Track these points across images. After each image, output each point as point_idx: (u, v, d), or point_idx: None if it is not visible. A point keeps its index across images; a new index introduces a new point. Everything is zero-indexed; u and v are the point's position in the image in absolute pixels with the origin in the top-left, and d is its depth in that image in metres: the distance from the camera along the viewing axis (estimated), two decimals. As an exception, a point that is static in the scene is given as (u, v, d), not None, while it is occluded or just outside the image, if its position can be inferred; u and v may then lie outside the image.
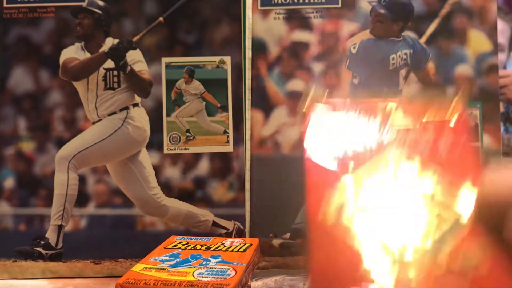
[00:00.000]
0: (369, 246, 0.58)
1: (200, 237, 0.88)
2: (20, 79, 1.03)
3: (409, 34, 1.03)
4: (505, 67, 2.34)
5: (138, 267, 0.75)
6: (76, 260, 1.00)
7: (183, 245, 0.84)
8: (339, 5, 1.03)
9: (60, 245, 1.00)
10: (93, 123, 1.03)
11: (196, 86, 1.03)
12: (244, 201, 1.02)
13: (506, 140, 1.92)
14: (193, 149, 1.02)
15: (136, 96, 1.03)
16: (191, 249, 0.82)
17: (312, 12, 1.03)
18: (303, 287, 0.86)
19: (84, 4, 1.02)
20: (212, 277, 0.71)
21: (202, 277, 0.71)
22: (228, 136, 1.02)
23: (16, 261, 1.00)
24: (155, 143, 1.02)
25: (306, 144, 0.64)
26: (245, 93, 1.02)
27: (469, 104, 1.01)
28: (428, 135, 0.63)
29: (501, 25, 2.05)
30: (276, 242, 1.01)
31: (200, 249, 0.82)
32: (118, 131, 1.03)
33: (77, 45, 1.03)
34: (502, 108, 2.16)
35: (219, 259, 0.78)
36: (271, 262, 1.00)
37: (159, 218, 1.02)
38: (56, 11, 1.02)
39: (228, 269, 0.74)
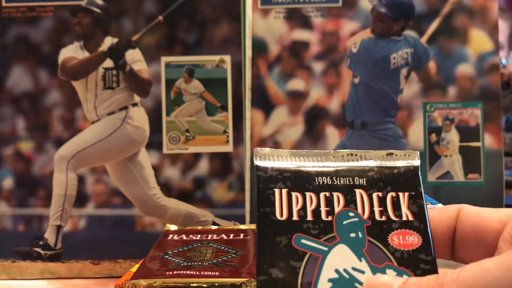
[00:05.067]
0: None
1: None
2: (19, 78, 1.02)
3: (410, 33, 1.02)
4: (504, 66, 2.34)
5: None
6: (75, 261, 1.00)
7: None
8: (340, 4, 1.03)
9: (59, 245, 1.00)
10: (92, 122, 1.02)
11: (196, 85, 1.02)
12: (244, 201, 1.01)
13: (508, 140, 1.92)
14: (192, 149, 1.02)
15: (135, 95, 1.02)
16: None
17: (313, 11, 1.03)
18: None
19: (83, 3, 1.01)
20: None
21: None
22: (228, 136, 1.01)
23: (14, 261, 0.99)
24: (154, 143, 1.02)
25: None
26: (245, 92, 1.02)
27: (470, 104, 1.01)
28: None
29: (500, 23, 2.05)
30: (276, 242, 1.00)
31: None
32: (117, 130, 1.02)
33: (76, 44, 1.02)
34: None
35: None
36: (271, 262, 1.00)
37: (158, 218, 1.01)
38: (55, 10, 1.02)
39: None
